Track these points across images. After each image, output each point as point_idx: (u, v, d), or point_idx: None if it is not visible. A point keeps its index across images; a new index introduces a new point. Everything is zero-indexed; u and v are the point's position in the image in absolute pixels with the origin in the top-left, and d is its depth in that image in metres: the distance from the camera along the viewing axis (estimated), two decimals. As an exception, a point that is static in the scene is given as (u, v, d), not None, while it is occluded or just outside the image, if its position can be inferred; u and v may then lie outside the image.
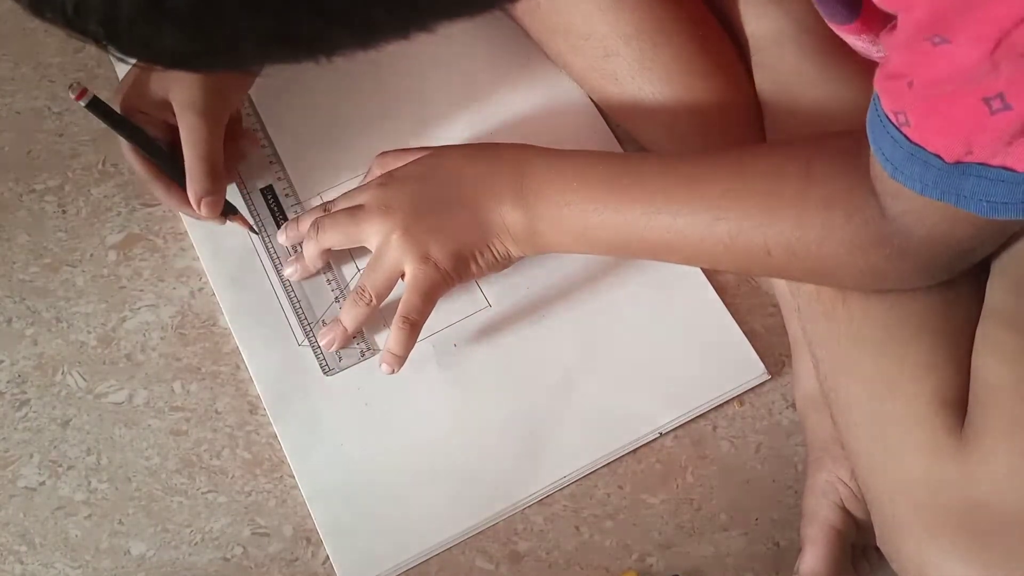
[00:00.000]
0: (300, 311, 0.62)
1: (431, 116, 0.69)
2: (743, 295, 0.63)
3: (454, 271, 0.57)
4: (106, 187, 0.68)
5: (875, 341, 0.51)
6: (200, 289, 0.65)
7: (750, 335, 0.61)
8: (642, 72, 0.63)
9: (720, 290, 0.62)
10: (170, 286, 0.65)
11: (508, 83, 0.70)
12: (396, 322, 0.57)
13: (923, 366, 0.49)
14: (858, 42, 0.46)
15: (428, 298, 0.57)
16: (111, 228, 0.67)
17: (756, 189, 0.51)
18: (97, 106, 0.58)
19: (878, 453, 0.49)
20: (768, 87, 0.61)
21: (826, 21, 0.47)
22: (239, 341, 0.62)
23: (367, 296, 0.58)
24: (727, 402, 0.60)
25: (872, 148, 0.44)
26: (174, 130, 0.60)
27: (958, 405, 0.48)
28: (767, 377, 0.60)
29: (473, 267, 0.58)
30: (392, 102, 0.69)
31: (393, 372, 0.58)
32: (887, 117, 0.42)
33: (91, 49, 0.73)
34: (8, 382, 0.62)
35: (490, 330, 0.62)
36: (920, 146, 0.40)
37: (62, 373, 0.62)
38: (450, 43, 0.72)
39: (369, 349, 0.61)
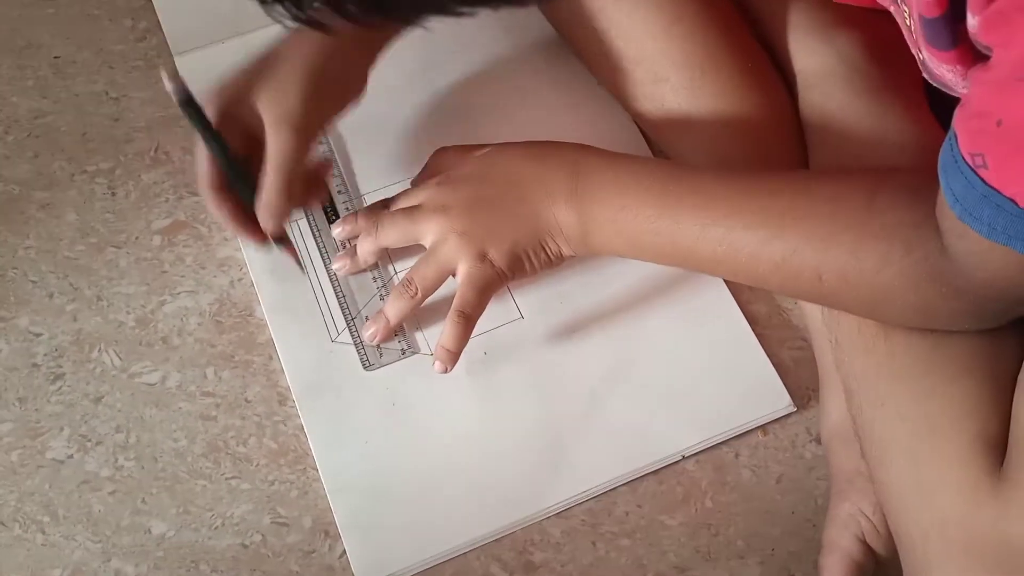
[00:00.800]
0: (345, 306, 0.63)
1: (480, 127, 0.70)
2: (774, 327, 0.63)
3: (509, 270, 0.58)
4: (156, 174, 0.70)
5: (916, 378, 0.51)
6: (240, 279, 0.66)
7: (778, 367, 0.61)
8: (689, 99, 0.64)
9: (751, 320, 0.63)
10: (211, 274, 0.66)
11: (555, 103, 0.71)
12: (451, 316, 0.57)
13: (965, 407, 0.49)
14: (947, 73, 0.46)
15: (483, 294, 0.58)
16: (158, 213, 0.68)
17: (817, 211, 0.51)
18: (190, 105, 0.56)
19: (912, 490, 0.49)
20: (815, 123, 0.62)
21: (925, 44, 0.46)
22: (274, 333, 0.63)
23: (413, 289, 0.59)
24: (751, 431, 0.60)
25: (942, 187, 0.44)
26: (251, 141, 0.58)
27: (998, 447, 0.48)
28: (792, 409, 0.60)
29: (527, 266, 0.58)
30: (442, 110, 0.71)
31: (446, 370, 0.58)
32: (963, 159, 0.42)
33: (152, 39, 0.76)
34: (45, 355, 0.63)
35: (521, 341, 0.62)
36: (995, 189, 0.40)
37: (99, 351, 0.64)
38: (499, 58, 0.73)
39: (410, 347, 0.62)
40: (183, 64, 0.74)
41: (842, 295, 0.51)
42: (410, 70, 0.72)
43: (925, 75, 0.49)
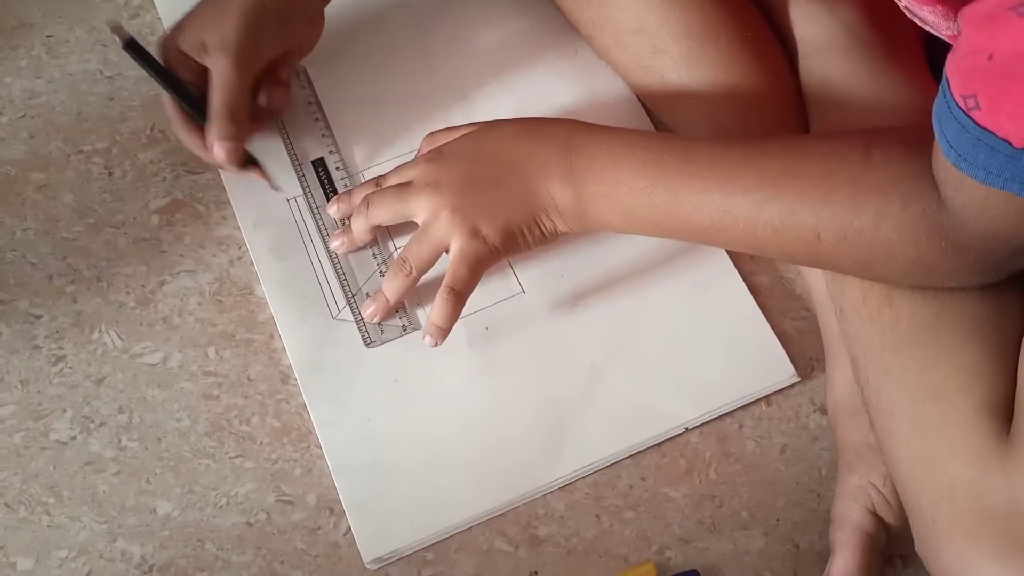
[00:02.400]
0: (345, 283, 0.63)
1: (477, 102, 0.69)
2: (776, 297, 0.63)
3: (502, 246, 0.58)
4: (153, 152, 0.69)
5: (921, 346, 0.51)
6: (239, 258, 0.65)
7: (781, 337, 0.61)
8: (688, 70, 0.64)
9: (754, 291, 0.63)
10: (210, 253, 0.66)
11: (553, 74, 0.71)
12: (441, 292, 0.57)
13: (970, 373, 0.49)
14: (929, 15, 0.45)
15: (475, 271, 0.57)
16: (155, 193, 0.68)
17: (813, 170, 0.51)
18: (133, 46, 0.60)
19: (920, 458, 0.49)
20: (816, 90, 0.61)
21: None
22: (274, 311, 0.63)
23: (408, 267, 0.59)
24: (754, 402, 0.60)
25: (936, 135, 0.43)
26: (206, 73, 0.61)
27: (1004, 413, 0.48)
28: (796, 380, 0.60)
29: (521, 242, 0.58)
30: (440, 85, 0.70)
31: (436, 344, 0.58)
32: (955, 103, 0.41)
33: (145, 16, 0.75)
34: (46, 337, 0.63)
35: (522, 316, 0.62)
36: (989, 131, 0.40)
37: (99, 331, 0.63)
38: (498, 32, 0.72)
39: (411, 324, 0.62)
40: (177, 41, 0.73)
41: (841, 255, 0.51)
42: (405, 44, 0.72)
43: (912, 19, 0.48)
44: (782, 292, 0.63)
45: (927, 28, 0.48)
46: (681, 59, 0.64)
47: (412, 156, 0.64)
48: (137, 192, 0.68)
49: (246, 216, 0.66)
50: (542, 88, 0.70)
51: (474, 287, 0.58)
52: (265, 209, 0.66)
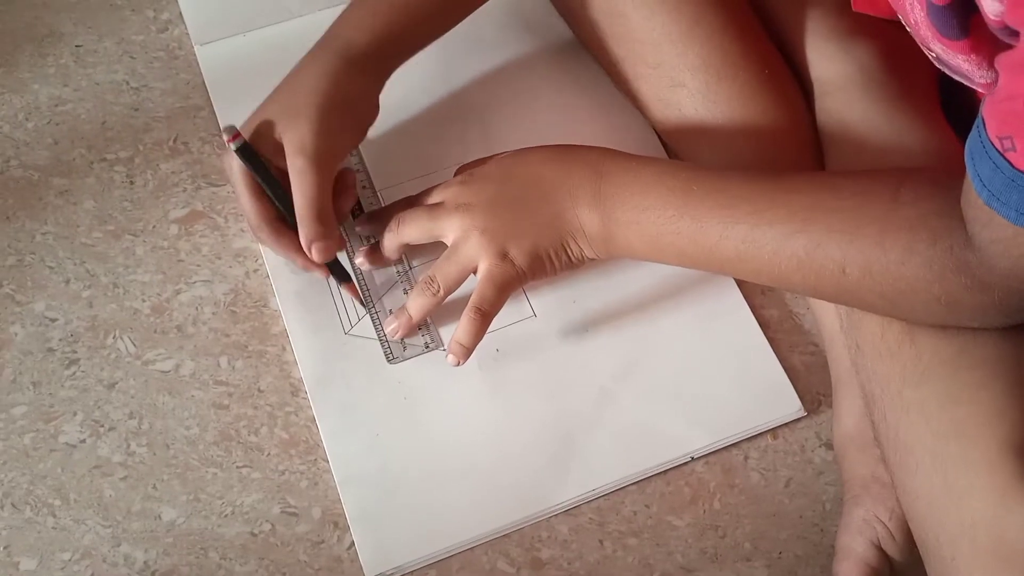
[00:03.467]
0: (368, 299, 0.64)
1: (494, 130, 0.70)
2: (786, 331, 0.63)
3: (529, 269, 0.58)
4: (175, 163, 0.70)
5: (943, 383, 0.50)
6: (255, 270, 0.66)
7: (789, 371, 0.61)
8: (706, 104, 0.65)
9: (763, 324, 0.63)
10: (226, 264, 0.66)
11: (573, 107, 0.72)
12: (467, 312, 0.58)
13: (993, 412, 0.49)
14: (963, 63, 0.46)
15: (502, 292, 0.58)
16: (175, 203, 0.69)
17: (842, 205, 0.51)
18: (246, 151, 0.59)
19: (940, 495, 0.49)
20: (833, 130, 0.62)
21: (935, 34, 0.46)
22: (287, 324, 0.63)
23: (435, 286, 0.59)
24: (760, 434, 0.60)
25: (969, 173, 0.44)
26: (283, 177, 0.60)
27: None
28: (803, 414, 0.60)
29: (548, 266, 0.59)
30: (461, 112, 0.72)
31: (458, 363, 0.59)
32: (991, 143, 0.42)
33: (174, 31, 0.77)
34: (60, 340, 0.64)
35: (533, 340, 0.63)
36: (1023, 172, 0.40)
37: (113, 337, 0.64)
38: (517, 61, 0.74)
39: (433, 342, 0.62)
40: (203, 55, 0.74)
41: (865, 289, 0.51)
42: (429, 69, 0.73)
43: (942, 68, 0.49)
44: (791, 326, 0.64)
45: (956, 77, 0.49)
46: (698, 93, 0.65)
47: (433, 177, 0.65)
48: (157, 201, 0.69)
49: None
50: (560, 118, 0.71)
51: (500, 308, 0.59)
52: (283, 223, 0.67)
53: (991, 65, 0.44)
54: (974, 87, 0.49)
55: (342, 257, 0.63)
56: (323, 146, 0.59)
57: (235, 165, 0.60)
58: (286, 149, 0.59)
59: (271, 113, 0.60)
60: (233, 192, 0.63)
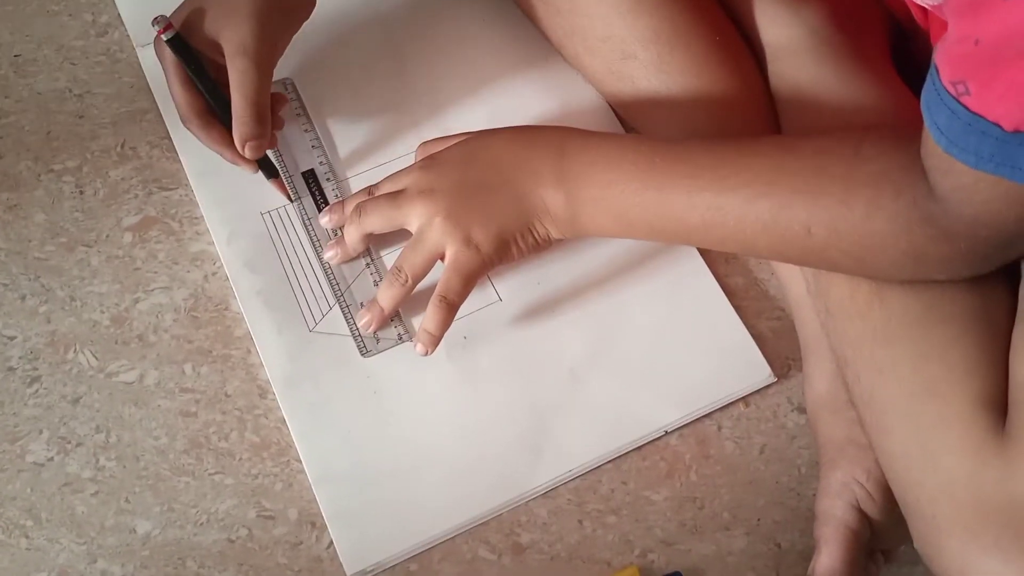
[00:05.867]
0: (339, 293, 0.63)
1: (449, 111, 0.70)
2: (751, 298, 0.63)
3: (495, 253, 0.58)
4: (124, 170, 0.69)
5: (913, 341, 0.51)
6: (214, 273, 0.65)
7: (757, 338, 0.61)
8: (658, 75, 0.64)
9: (729, 293, 0.63)
10: (184, 269, 0.65)
11: (524, 83, 0.71)
12: (433, 301, 0.57)
13: (964, 368, 0.49)
14: None
15: (468, 280, 0.58)
16: (127, 210, 0.67)
17: (803, 166, 0.51)
18: (178, 42, 0.59)
19: (917, 455, 0.49)
20: (786, 94, 0.62)
21: None
22: (251, 326, 0.63)
23: (403, 276, 0.59)
24: (732, 403, 0.60)
25: (926, 122, 0.44)
26: (219, 71, 0.61)
27: (999, 406, 0.48)
28: (773, 380, 0.60)
29: (514, 249, 0.58)
30: (415, 95, 0.70)
31: (427, 352, 0.58)
32: (945, 89, 0.41)
33: (114, 33, 0.75)
34: (20, 358, 0.63)
35: (500, 324, 0.62)
36: (979, 115, 0.40)
37: (74, 351, 0.63)
38: (469, 42, 0.73)
39: (407, 333, 0.62)
40: (146, 56, 0.73)
41: (832, 248, 0.51)
42: (381, 55, 0.72)
43: None
44: (756, 293, 0.64)
45: None
46: (651, 64, 0.64)
47: (396, 163, 0.64)
48: (109, 210, 0.68)
49: (220, 231, 0.66)
50: (514, 97, 0.70)
51: (467, 296, 0.58)
52: (239, 223, 0.66)
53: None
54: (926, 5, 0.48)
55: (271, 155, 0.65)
56: (263, 47, 0.60)
57: (167, 55, 0.61)
58: (225, 48, 0.60)
59: (206, 5, 0.60)
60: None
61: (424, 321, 0.58)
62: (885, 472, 0.52)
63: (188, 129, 0.63)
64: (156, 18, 0.59)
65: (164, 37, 0.59)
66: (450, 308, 0.58)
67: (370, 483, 0.58)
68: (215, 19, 0.60)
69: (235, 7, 0.60)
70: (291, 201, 0.65)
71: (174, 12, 0.62)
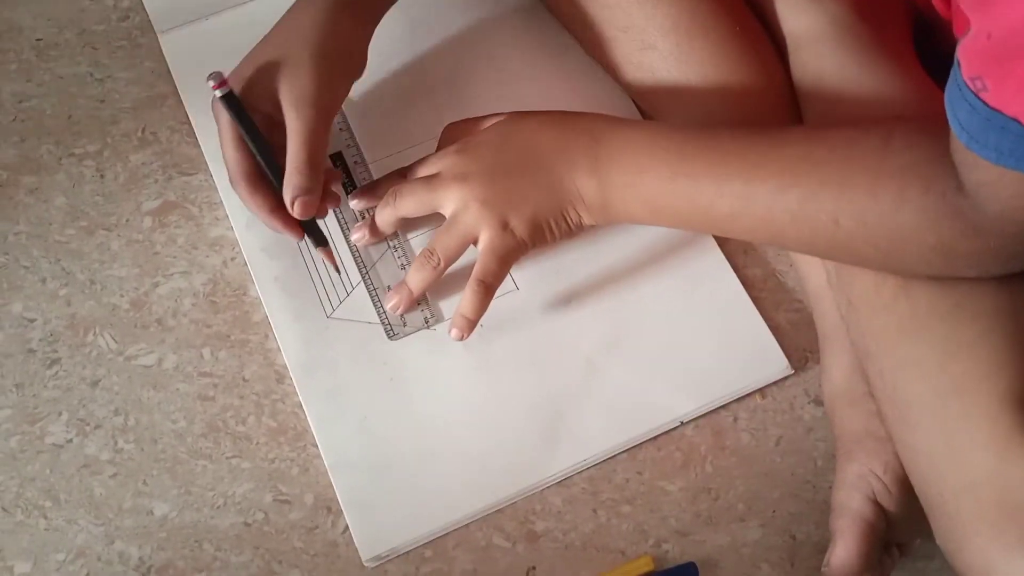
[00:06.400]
0: (367, 276, 0.63)
1: (469, 98, 0.70)
2: (769, 290, 0.63)
3: (530, 238, 0.58)
4: (144, 154, 0.69)
5: (940, 338, 0.50)
6: (233, 259, 0.65)
7: (775, 330, 0.61)
8: (678, 65, 0.64)
9: (747, 284, 0.63)
10: (203, 254, 0.66)
11: (545, 73, 0.71)
12: (471, 285, 0.58)
13: (991, 365, 0.48)
14: None
15: (504, 262, 0.58)
16: (148, 195, 0.68)
17: (833, 157, 0.51)
18: (231, 99, 0.57)
19: (942, 450, 0.48)
20: (808, 85, 0.61)
21: None
22: (269, 311, 0.63)
23: (436, 259, 0.59)
24: (749, 395, 0.60)
25: (949, 118, 0.43)
26: (272, 127, 0.59)
27: None
28: (790, 372, 0.60)
29: (548, 234, 0.58)
30: (435, 82, 0.71)
31: (462, 338, 0.59)
32: (966, 85, 0.41)
33: (135, 18, 0.75)
34: (40, 340, 0.63)
35: (517, 313, 0.62)
36: (998, 111, 0.40)
37: (94, 334, 0.63)
38: (489, 32, 0.73)
39: (433, 316, 0.62)
40: (167, 42, 0.73)
41: (860, 240, 0.50)
42: (403, 43, 0.72)
43: None
44: (774, 285, 0.63)
45: None
46: (670, 55, 0.64)
47: (417, 148, 0.64)
48: (129, 194, 0.68)
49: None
50: (534, 86, 0.70)
51: (503, 279, 0.58)
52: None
53: None
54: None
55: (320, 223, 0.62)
56: (323, 96, 0.58)
57: (220, 113, 0.58)
58: (283, 99, 0.58)
59: (264, 60, 0.59)
60: (220, 159, 0.61)
61: (461, 305, 0.58)
62: (906, 466, 0.51)
63: (235, 191, 0.60)
64: (211, 74, 0.56)
65: (217, 93, 0.57)
66: (488, 291, 0.58)
67: (386, 469, 0.58)
68: (274, 72, 0.58)
69: (294, 60, 0.58)
70: (339, 272, 0.63)
71: (234, 69, 0.60)
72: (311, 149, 0.57)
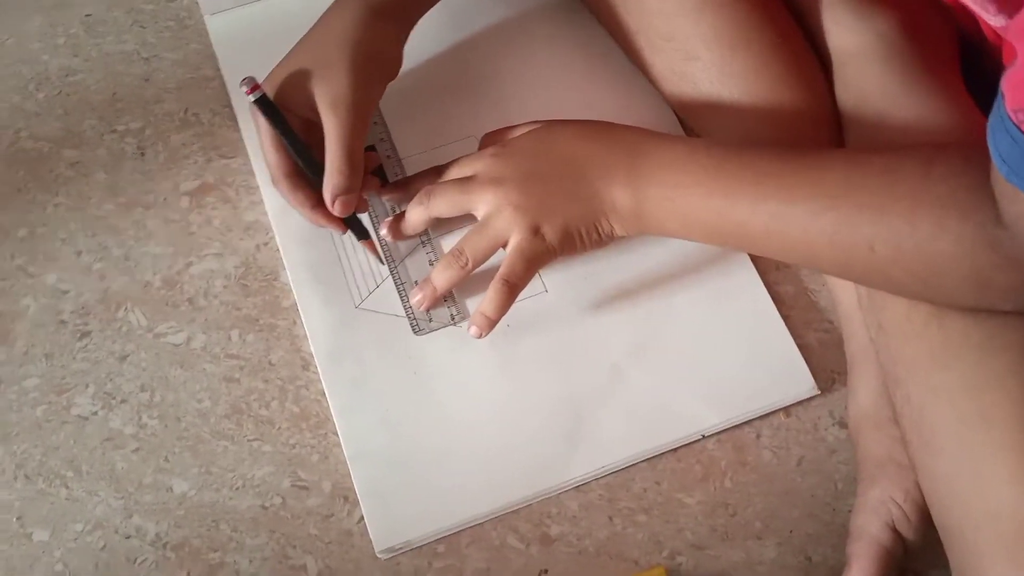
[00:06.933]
0: (395, 271, 0.64)
1: (509, 102, 0.70)
2: (800, 308, 0.63)
3: (560, 245, 0.58)
4: (185, 135, 0.70)
5: (970, 368, 0.50)
6: (266, 244, 0.66)
7: (803, 349, 0.61)
8: (720, 77, 0.63)
9: (778, 301, 0.62)
10: (237, 237, 0.66)
11: (586, 79, 0.71)
12: (495, 284, 0.58)
13: (1021, 398, 0.48)
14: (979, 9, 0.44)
15: (531, 265, 0.58)
16: (186, 175, 0.68)
17: (872, 182, 0.50)
18: (265, 103, 0.58)
19: (964, 480, 0.48)
20: (851, 102, 0.61)
21: None
22: (298, 297, 0.63)
23: (464, 259, 0.59)
24: (773, 412, 0.60)
25: (990, 148, 0.43)
26: (310, 129, 0.60)
27: None
28: (816, 392, 0.60)
29: (578, 243, 0.59)
30: (477, 82, 0.71)
31: (481, 335, 0.59)
32: (1008, 116, 0.41)
33: (183, 0, 0.76)
34: (72, 312, 0.64)
35: (545, 315, 0.62)
36: None
37: (125, 310, 0.64)
38: (533, 34, 0.73)
39: (459, 314, 0.62)
40: (213, 23, 0.74)
41: (895, 267, 0.50)
42: (438, 39, 0.72)
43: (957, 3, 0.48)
44: (806, 303, 0.63)
45: (975, 7, 0.47)
46: (713, 66, 0.64)
47: (451, 147, 0.65)
48: (168, 173, 0.69)
49: (274, 202, 0.66)
50: (575, 92, 0.70)
51: (527, 282, 0.59)
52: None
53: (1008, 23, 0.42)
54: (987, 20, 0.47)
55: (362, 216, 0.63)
56: (358, 97, 0.58)
57: (258, 116, 0.60)
58: (319, 101, 0.59)
59: (300, 63, 0.60)
60: (257, 152, 0.62)
61: (483, 304, 0.58)
62: (926, 494, 0.51)
63: (277, 190, 0.62)
64: (244, 79, 0.57)
65: (251, 98, 0.58)
66: (511, 292, 0.58)
67: (405, 462, 0.58)
68: (309, 75, 0.59)
69: (329, 62, 0.59)
70: (383, 264, 0.64)
71: (270, 73, 0.61)
72: (349, 150, 0.58)
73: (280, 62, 0.61)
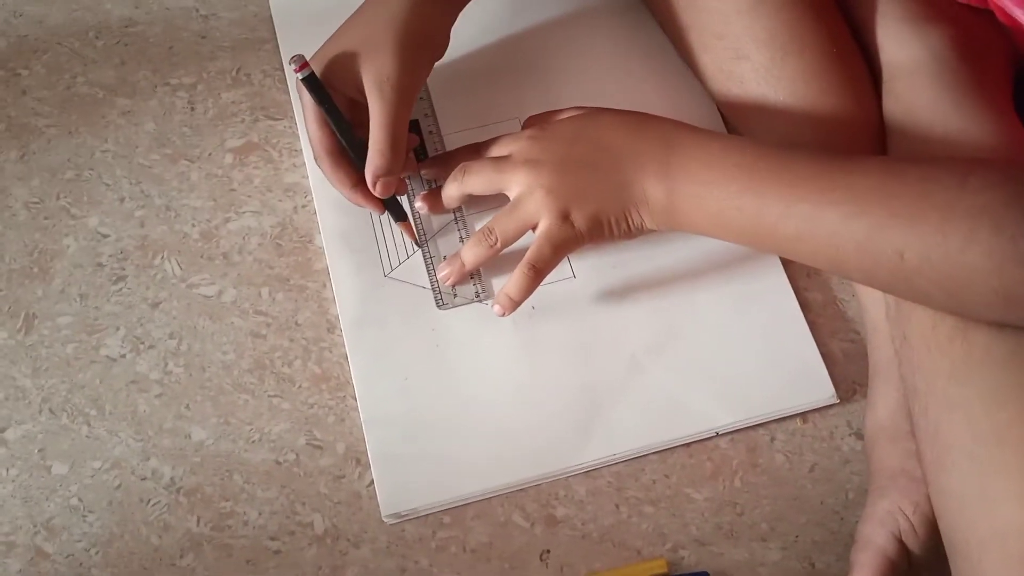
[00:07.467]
0: (425, 244, 0.64)
1: (554, 88, 0.70)
2: (827, 316, 0.62)
3: (588, 233, 0.58)
4: (236, 94, 0.71)
5: (990, 384, 0.49)
6: (304, 206, 0.67)
7: (827, 357, 0.61)
8: (768, 79, 0.63)
9: (805, 307, 0.62)
10: (276, 197, 0.67)
11: (634, 71, 0.71)
12: (521, 267, 0.58)
13: None
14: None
15: (558, 251, 0.58)
16: (233, 133, 0.70)
17: (906, 190, 0.50)
18: (312, 81, 0.59)
19: (974, 497, 0.48)
20: (899, 116, 0.60)
21: None
22: (330, 262, 0.64)
23: (493, 238, 0.60)
24: (790, 417, 0.60)
25: None
26: (355, 108, 0.61)
27: None
28: (835, 401, 0.60)
29: (607, 232, 0.59)
30: (525, 66, 0.71)
31: (503, 314, 0.59)
32: None
33: (246, -38, 0.77)
34: (110, 256, 0.65)
35: (570, 300, 0.63)
36: None
37: (161, 258, 0.65)
38: (584, 24, 0.73)
39: (483, 292, 0.63)
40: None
41: (922, 277, 0.50)
42: (494, 21, 0.72)
43: (1007, 17, 0.47)
44: (834, 312, 0.63)
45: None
46: (762, 67, 0.63)
47: (494, 127, 0.65)
48: (216, 129, 0.70)
49: (315, 167, 0.67)
50: (622, 83, 0.70)
51: (554, 267, 0.59)
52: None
53: None
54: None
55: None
56: (405, 78, 0.59)
57: (304, 94, 0.60)
58: (365, 80, 0.59)
59: (348, 43, 0.60)
60: (302, 120, 0.63)
61: (507, 285, 0.59)
62: (936, 508, 0.51)
63: (319, 167, 0.63)
64: (293, 57, 0.58)
65: (299, 76, 0.58)
66: (536, 276, 0.58)
67: (419, 432, 0.59)
68: (356, 55, 0.59)
69: (376, 42, 0.59)
70: (419, 246, 0.64)
71: (318, 51, 0.61)
72: (393, 131, 0.59)
73: (328, 40, 0.62)
